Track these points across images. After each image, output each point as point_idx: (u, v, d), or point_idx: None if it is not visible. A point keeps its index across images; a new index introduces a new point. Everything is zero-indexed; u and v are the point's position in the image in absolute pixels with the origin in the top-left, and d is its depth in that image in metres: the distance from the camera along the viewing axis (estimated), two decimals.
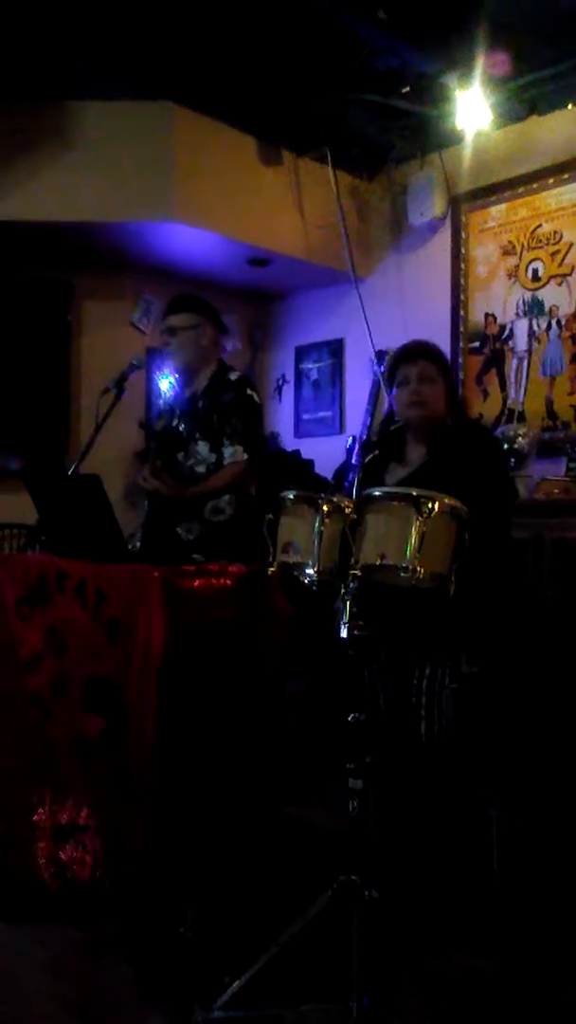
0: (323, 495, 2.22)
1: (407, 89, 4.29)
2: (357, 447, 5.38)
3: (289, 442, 5.73)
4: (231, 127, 4.57)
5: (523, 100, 4.39)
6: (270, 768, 2.65)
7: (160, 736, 2.38)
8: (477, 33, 3.83)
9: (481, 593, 2.44)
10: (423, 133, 4.77)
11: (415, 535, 2.02)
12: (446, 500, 2.08)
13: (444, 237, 4.94)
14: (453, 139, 4.68)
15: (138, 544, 3.02)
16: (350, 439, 5.31)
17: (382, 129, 4.77)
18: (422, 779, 2.51)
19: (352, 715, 2.18)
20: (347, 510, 2.17)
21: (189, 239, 4.65)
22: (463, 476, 2.41)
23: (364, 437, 5.37)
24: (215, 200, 4.54)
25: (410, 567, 2.02)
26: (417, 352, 2.65)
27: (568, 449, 4.20)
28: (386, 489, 2.16)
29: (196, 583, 2.54)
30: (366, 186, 5.23)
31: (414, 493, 2.08)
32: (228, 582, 2.58)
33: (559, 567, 3.65)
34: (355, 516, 2.14)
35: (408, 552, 2.03)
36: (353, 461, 5.31)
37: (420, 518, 2.03)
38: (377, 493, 2.13)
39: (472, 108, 4.15)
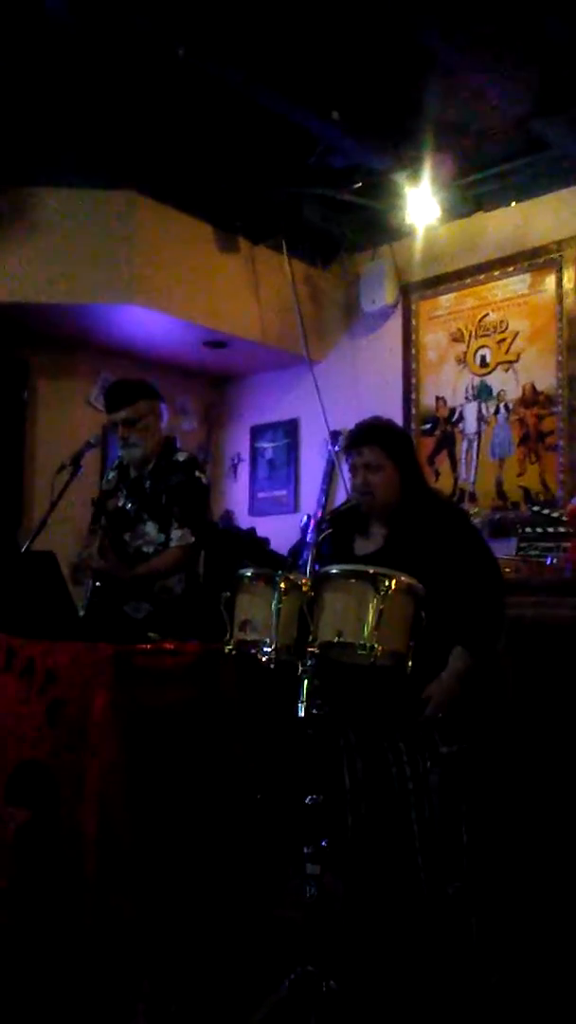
0: (280, 572, 2.23)
1: (359, 184, 4.48)
2: (312, 525, 5.43)
3: (244, 520, 5.76)
4: (190, 216, 4.72)
5: (468, 198, 4.62)
6: (228, 854, 2.57)
7: (108, 824, 2.30)
8: (424, 134, 4.05)
9: (466, 669, 2.43)
10: (374, 226, 4.98)
11: (372, 613, 2.04)
12: (403, 578, 2.11)
13: (395, 323, 5.11)
14: (403, 232, 4.88)
15: None
16: (305, 517, 5.40)
17: (335, 221, 4.97)
18: (401, 866, 2.43)
19: (309, 797, 2.16)
20: (304, 587, 2.18)
21: (148, 321, 4.74)
22: (430, 555, 2.40)
23: (319, 515, 5.45)
24: (173, 285, 4.65)
25: (367, 645, 2.04)
26: (361, 439, 2.58)
27: (518, 529, 4.28)
28: (343, 567, 2.17)
29: (153, 661, 2.51)
30: (320, 274, 5.41)
31: (371, 571, 2.11)
32: (185, 660, 2.56)
33: (514, 646, 3.69)
34: (312, 593, 2.15)
35: (365, 630, 2.04)
36: (308, 539, 5.35)
37: (377, 596, 2.05)
38: (334, 571, 2.15)
39: (421, 204, 4.35)
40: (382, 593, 2.05)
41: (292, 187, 4.56)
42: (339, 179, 4.49)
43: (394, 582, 2.08)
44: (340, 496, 5.24)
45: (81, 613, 3.10)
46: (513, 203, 4.57)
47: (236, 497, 5.96)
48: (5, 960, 2.31)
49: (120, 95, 3.88)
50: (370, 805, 2.54)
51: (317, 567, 2.25)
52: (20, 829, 2.41)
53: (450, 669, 2.45)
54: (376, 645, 2.03)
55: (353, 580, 2.11)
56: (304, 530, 5.32)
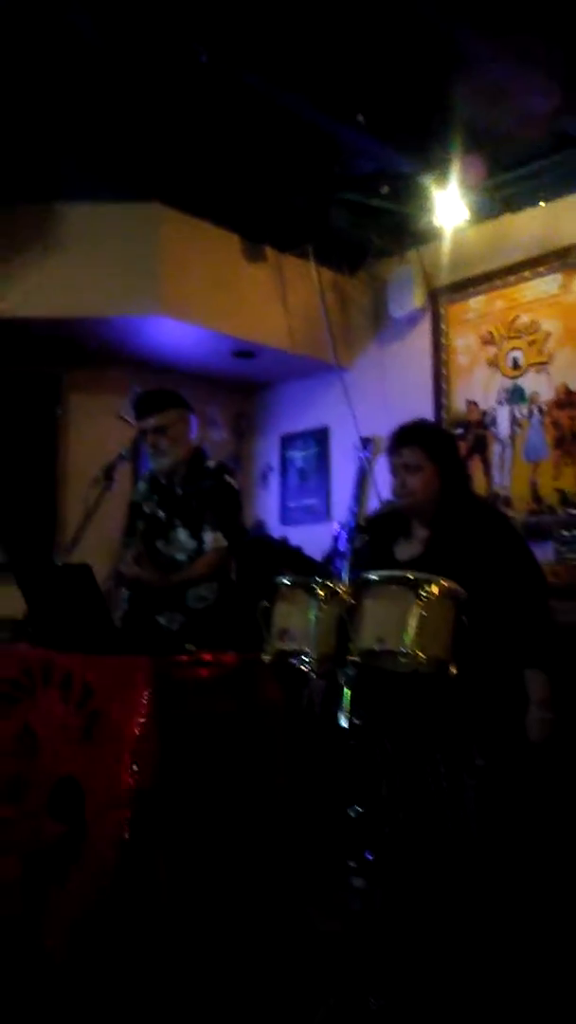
0: (319, 580, 2.20)
1: (386, 189, 4.45)
2: (344, 533, 5.39)
3: (275, 529, 5.73)
4: (216, 226, 4.73)
5: (496, 199, 4.56)
6: (279, 869, 2.52)
7: (147, 839, 2.27)
8: (452, 136, 4.00)
9: (503, 680, 2.39)
10: (401, 230, 4.94)
11: (413, 619, 2.00)
12: (443, 583, 2.07)
13: (424, 328, 5.07)
14: (430, 235, 4.84)
15: None
16: (337, 525, 5.35)
17: (362, 227, 4.93)
18: (445, 881, 2.38)
19: (352, 809, 2.12)
20: (343, 595, 2.15)
21: (176, 333, 4.75)
22: (473, 559, 2.37)
23: (351, 523, 5.40)
24: (201, 295, 4.65)
25: (409, 652, 2.00)
26: (400, 440, 2.57)
27: (555, 533, 4.22)
28: (383, 573, 2.13)
29: (191, 673, 2.48)
30: (347, 281, 5.38)
31: (411, 576, 2.07)
32: (223, 672, 2.53)
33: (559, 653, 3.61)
34: (352, 601, 2.12)
35: (407, 637, 2.00)
36: (340, 548, 5.31)
37: (418, 602, 2.01)
38: (374, 577, 2.11)
39: (449, 206, 4.31)
40: (423, 599, 2.01)
41: (318, 194, 4.53)
42: (365, 184, 4.46)
43: (435, 587, 2.04)
44: (373, 504, 5.19)
45: (118, 625, 3.09)
46: (542, 203, 4.51)
47: (267, 507, 5.93)
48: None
49: (142, 106, 3.87)
50: (408, 815, 2.49)
51: (356, 573, 2.22)
52: (56, 843, 2.39)
53: (537, 700, 2.41)
54: (418, 652, 1.99)
55: (393, 586, 2.08)
56: (336, 539, 5.28)
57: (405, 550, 2.59)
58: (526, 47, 3.49)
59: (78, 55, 3.51)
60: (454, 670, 2.07)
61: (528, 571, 2.52)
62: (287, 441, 5.87)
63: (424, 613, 1.99)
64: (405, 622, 2.01)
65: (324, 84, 3.67)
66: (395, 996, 2.12)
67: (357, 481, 5.36)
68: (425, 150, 4.12)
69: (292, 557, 4.40)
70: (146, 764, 2.28)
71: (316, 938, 2.67)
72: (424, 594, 2.01)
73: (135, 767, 2.30)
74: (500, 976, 2.39)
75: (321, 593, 2.13)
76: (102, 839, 2.28)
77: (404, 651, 2.00)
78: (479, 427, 4.79)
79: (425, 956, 2.40)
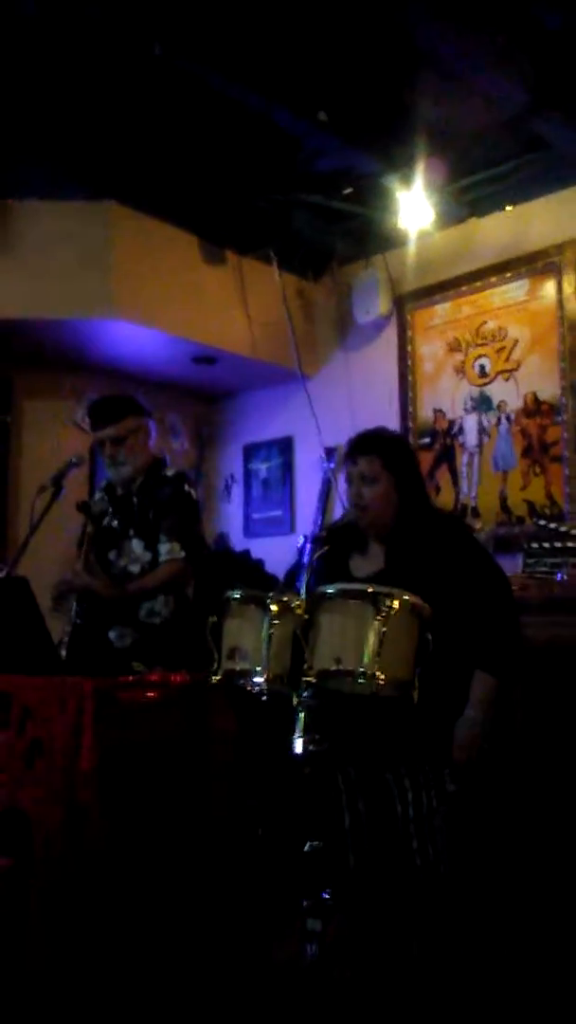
0: (271, 594, 2.04)
1: (349, 190, 4.32)
2: (309, 546, 5.22)
3: (239, 542, 5.56)
4: (174, 226, 4.56)
5: (462, 202, 4.45)
6: (221, 895, 2.36)
7: (84, 872, 2.11)
8: (416, 136, 3.89)
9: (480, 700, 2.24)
10: (366, 234, 4.81)
11: (374, 637, 1.84)
12: (406, 596, 1.92)
13: (390, 335, 4.94)
14: (396, 240, 4.72)
15: (64, 653, 2.77)
16: (302, 538, 5.18)
17: (325, 231, 4.80)
18: (413, 915, 2.22)
19: (308, 844, 1.95)
20: (298, 610, 1.99)
21: (133, 337, 4.57)
22: (434, 574, 2.22)
23: (316, 535, 5.23)
24: (158, 298, 4.49)
25: (369, 672, 1.84)
26: (357, 449, 2.42)
27: (524, 545, 4.08)
28: (341, 586, 1.98)
29: (137, 695, 2.31)
30: (311, 286, 5.25)
31: (370, 590, 1.91)
32: (171, 692, 2.35)
33: (523, 670, 3.48)
34: (307, 616, 1.95)
35: (367, 656, 1.85)
36: (305, 560, 5.14)
37: (379, 618, 1.86)
38: (330, 591, 1.95)
39: (414, 208, 4.19)
40: (383, 614, 1.86)
41: (280, 195, 4.39)
42: (328, 185, 4.33)
43: (396, 602, 1.89)
44: (338, 513, 5.05)
45: (65, 639, 2.90)
46: (509, 206, 4.41)
47: (230, 519, 5.76)
48: None
49: (96, 100, 3.72)
50: (373, 844, 2.33)
51: (312, 587, 2.06)
52: (2, 876, 2.22)
53: (475, 700, 2.24)
54: (378, 673, 1.83)
55: (352, 601, 1.92)
56: (301, 551, 5.12)
57: (362, 566, 2.42)
58: (492, 45, 3.39)
59: (27, 46, 3.35)
60: (416, 694, 1.91)
61: (495, 584, 2.37)
62: (250, 451, 5.71)
63: (385, 630, 1.84)
64: (364, 640, 1.85)
65: (284, 80, 3.53)
66: None
67: (322, 493, 5.21)
68: (389, 150, 4.00)
69: (249, 571, 4.23)
70: (91, 793, 2.11)
71: (273, 970, 2.51)
72: (385, 609, 1.86)
73: (81, 796, 2.13)
74: (470, 1011, 2.23)
75: (274, 608, 1.97)
76: (49, 873, 2.10)
77: (363, 672, 1.84)
78: (446, 436, 4.67)
79: (390, 989, 2.24)
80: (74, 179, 4.22)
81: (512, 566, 4.08)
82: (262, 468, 5.63)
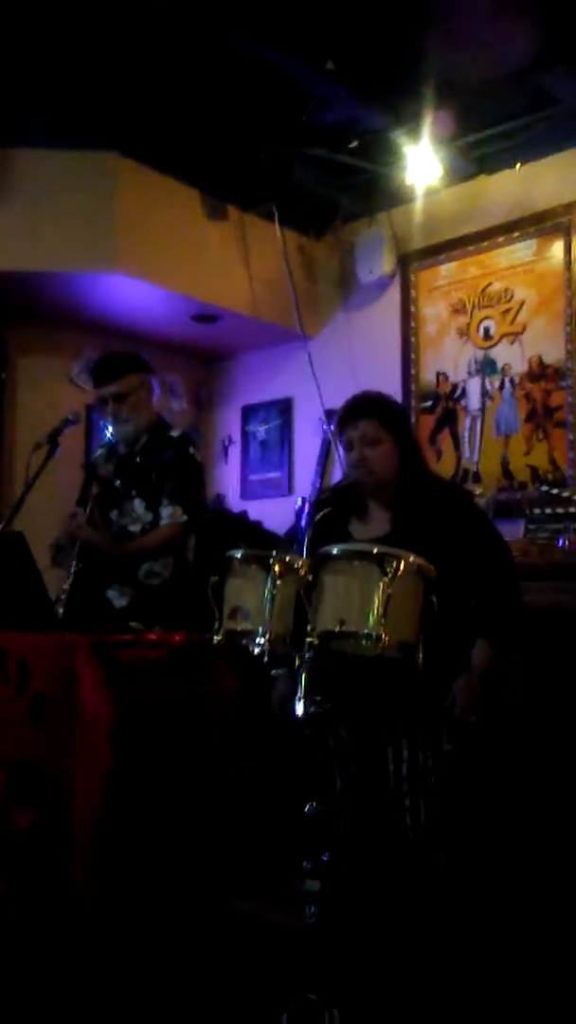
0: (275, 553, 1.99)
1: (354, 144, 4.21)
2: (307, 508, 5.18)
3: (235, 504, 5.51)
4: (176, 180, 4.45)
5: (470, 159, 4.35)
6: (218, 859, 2.35)
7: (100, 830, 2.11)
8: (424, 89, 3.78)
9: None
10: (371, 191, 4.71)
11: (379, 598, 1.80)
12: (411, 559, 1.88)
13: (393, 295, 4.85)
14: (401, 198, 4.62)
15: (61, 611, 2.75)
16: (300, 500, 5.13)
17: (329, 186, 4.69)
18: (406, 877, 2.22)
19: (309, 805, 1.93)
20: (301, 570, 1.95)
21: (132, 292, 4.48)
22: (438, 539, 2.20)
23: (314, 498, 5.19)
24: (159, 253, 4.39)
25: (374, 634, 1.80)
26: (358, 411, 2.40)
27: (526, 510, 4.05)
28: (345, 547, 1.93)
29: (135, 653, 2.27)
30: (313, 244, 5.15)
31: (376, 551, 1.87)
32: (168, 653, 2.32)
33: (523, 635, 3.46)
34: (310, 577, 1.91)
35: (371, 618, 1.81)
36: (302, 523, 5.09)
37: (384, 579, 1.82)
38: (335, 551, 1.91)
39: (421, 164, 4.09)
40: (389, 576, 1.82)
41: (283, 147, 4.28)
42: (333, 138, 4.22)
43: (403, 563, 1.85)
44: (336, 476, 5.00)
45: (63, 597, 2.88)
46: (518, 164, 4.30)
47: (227, 480, 5.71)
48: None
49: (100, 47, 3.60)
50: (365, 807, 2.32)
51: (316, 548, 2.03)
52: (28, 830, 2.20)
53: (475, 664, 2.25)
54: (383, 634, 1.79)
55: (357, 561, 1.87)
56: (298, 514, 5.07)
57: (363, 531, 2.41)
58: None
59: None
60: (420, 657, 1.88)
61: (496, 550, 2.38)
62: (248, 412, 5.64)
63: (390, 592, 1.80)
64: (369, 602, 1.81)
65: (293, 27, 3.42)
66: (353, 1001, 1.96)
67: (321, 455, 5.15)
68: (396, 103, 3.91)
69: (250, 531, 4.19)
70: (100, 751, 2.10)
71: (274, 936, 2.51)
72: (390, 571, 1.82)
73: (91, 755, 2.11)
74: (463, 980, 2.23)
75: (277, 568, 1.92)
76: (85, 821, 2.09)
77: (368, 633, 1.80)
78: (448, 400, 4.61)
79: (384, 958, 2.24)
80: (74, 128, 4.11)
81: (513, 531, 4.06)
82: (260, 429, 5.57)
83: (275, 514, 4.84)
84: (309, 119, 4.01)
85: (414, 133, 3.98)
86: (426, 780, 2.24)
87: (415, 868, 2.24)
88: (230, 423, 5.75)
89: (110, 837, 2.14)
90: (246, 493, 5.58)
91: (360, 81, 3.72)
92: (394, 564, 1.83)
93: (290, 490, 5.33)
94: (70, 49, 3.63)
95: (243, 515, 4.72)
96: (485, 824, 2.83)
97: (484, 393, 4.46)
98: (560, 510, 3.86)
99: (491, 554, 2.35)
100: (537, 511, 3.99)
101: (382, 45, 3.57)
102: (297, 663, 1.89)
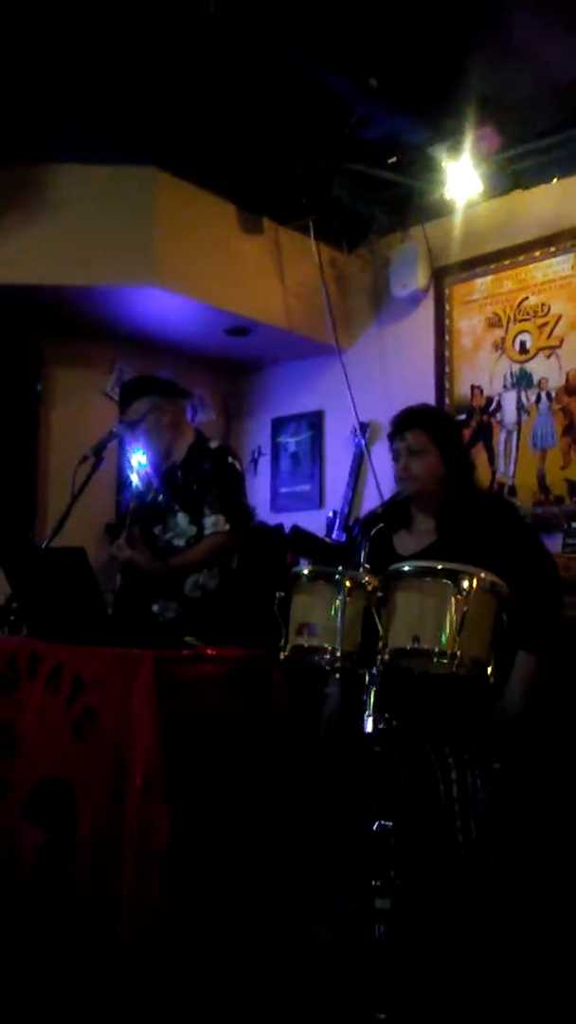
0: (342, 570, 1.99)
1: (393, 159, 4.22)
2: (339, 521, 5.16)
3: (265, 516, 5.51)
4: (213, 194, 4.47)
5: (508, 174, 4.35)
6: (282, 883, 2.32)
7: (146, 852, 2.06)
8: (465, 105, 3.79)
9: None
10: (406, 205, 4.72)
11: (454, 616, 1.80)
12: (483, 576, 1.87)
13: (427, 309, 4.85)
14: (436, 212, 4.63)
15: None
16: (332, 512, 5.14)
17: (364, 200, 4.69)
18: (460, 896, 2.21)
19: (378, 824, 1.92)
20: (369, 586, 1.94)
21: (167, 306, 4.50)
22: (484, 551, 2.19)
23: (345, 511, 5.19)
24: (195, 267, 4.41)
25: (449, 652, 1.80)
26: (404, 424, 2.45)
27: (564, 524, 4.04)
28: (417, 564, 1.93)
29: (193, 670, 2.26)
30: (346, 258, 5.16)
31: (450, 568, 1.87)
32: (228, 669, 2.31)
33: (564, 648, 3.44)
34: (380, 594, 1.91)
35: (446, 635, 1.80)
36: (334, 536, 5.07)
37: (458, 596, 1.81)
38: (407, 568, 1.91)
39: (461, 179, 4.10)
40: (464, 593, 1.81)
41: (321, 162, 4.29)
42: (371, 154, 4.22)
43: (476, 581, 1.85)
44: (369, 490, 5.00)
45: (108, 612, 2.87)
46: (555, 179, 4.31)
47: (257, 492, 5.71)
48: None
49: (140, 62, 3.61)
50: (415, 823, 2.31)
51: (367, 565, 2.03)
52: (38, 851, 2.19)
53: (518, 678, 2.22)
54: (459, 652, 1.79)
55: (429, 578, 1.87)
56: (330, 526, 5.07)
57: (408, 542, 2.42)
58: (550, 7, 3.29)
59: (72, 2, 3.24)
60: (492, 672, 1.87)
61: (541, 564, 2.37)
62: (279, 424, 5.64)
63: (466, 609, 1.79)
64: (444, 619, 1.81)
65: (339, 43, 3.43)
66: (401, 1010, 1.94)
67: (353, 468, 5.15)
68: (438, 118, 3.90)
69: (304, 543, 4.15)
70: (153, 770, 2.07)
71: (316, 948, 2.49)
72: (464, 589, 1.81)
73: (142, 772, 2.08)
74: (509, 991, 2.21)
75: (347, 584, 1.92)
76: (97, 850, 2.06)
77: (442, 651, 1.80)
78: (483, 413, 4.60)
79: (433, 969, 2.22)
80: (112, 142, 4.12)
81: (551, 546, 4.02)
82: (291, 442, 5.57)
83: (306, 526, 4.84)
84: (349, 134, 4.01)
85: (455, 149, 3.98)
86: (475, 800, 2.22)
87: (467, 881, 2.22)
88: (260, 435, 5.75)
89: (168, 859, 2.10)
90: (276, 506, 5.58)
91: (403, 98, 3.73)
92: (467, 582, 1.83)
93: (321, 503, 5.32)
94: (109, 64, 3.63)
95: (280, 527, 4.71)
96: (537, 839, 2.81)
97: (520, 407, 4.45)
98: None
99: (536, 566, 2.33)
100: (575, 525, 3.98)
101: (427, 62, 3.57)
102: (367, 679, 1.88)
